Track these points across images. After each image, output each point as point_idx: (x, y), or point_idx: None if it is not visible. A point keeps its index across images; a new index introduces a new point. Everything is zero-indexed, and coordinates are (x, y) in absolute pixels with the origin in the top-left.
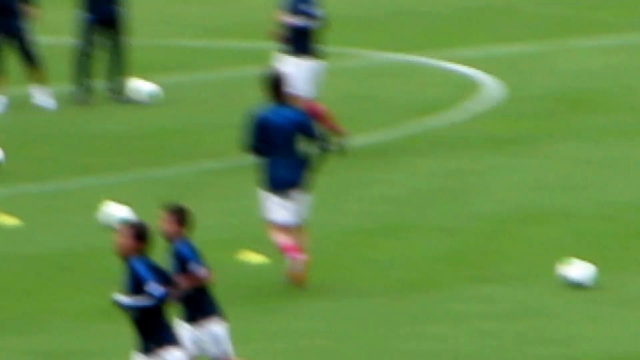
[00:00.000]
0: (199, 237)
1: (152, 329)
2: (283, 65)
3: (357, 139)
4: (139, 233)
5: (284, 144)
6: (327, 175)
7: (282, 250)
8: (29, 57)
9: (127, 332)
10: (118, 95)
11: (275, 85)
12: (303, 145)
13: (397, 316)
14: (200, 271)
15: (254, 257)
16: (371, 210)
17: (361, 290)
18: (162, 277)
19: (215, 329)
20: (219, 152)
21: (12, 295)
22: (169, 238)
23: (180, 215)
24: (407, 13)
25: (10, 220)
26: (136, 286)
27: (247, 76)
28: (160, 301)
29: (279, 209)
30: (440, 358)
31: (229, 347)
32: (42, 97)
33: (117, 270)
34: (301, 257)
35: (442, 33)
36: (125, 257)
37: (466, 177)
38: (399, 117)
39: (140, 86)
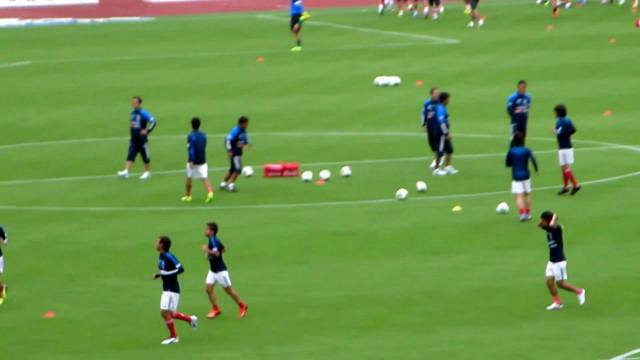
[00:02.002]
0: None
1: (171, 283)
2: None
3: None
4: (166, 241)
5: (521, 162)
6: None
7: (520, 211)
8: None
9: None
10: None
11: (520, 139)
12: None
13: None
14: (214, 250)
15: None
16: None
17: None
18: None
19: (225, 276)
20: None
21: None
22: (208, 236)
23: (213, 226)
24: None
25: (456, 208)
26: (168, 265)
27: None
28: (180, 271)
29: (517, 188)
30: None
31: (229, 281)
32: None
33: None
34: (525, 214)
35: None
36: (161, 252)
37: None
38: None
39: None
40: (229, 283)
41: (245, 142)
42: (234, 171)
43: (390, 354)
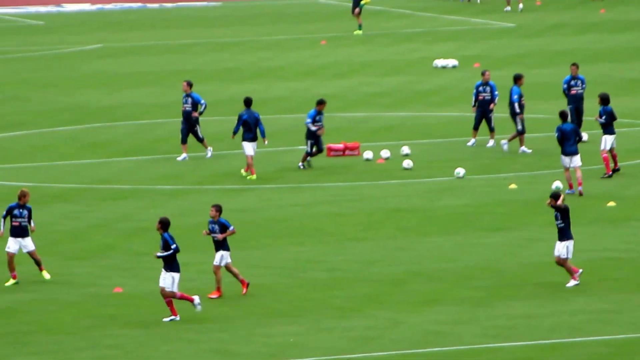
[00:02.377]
0: None
1: (170, 263)
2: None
3: None
4: (165, 222)
5: (571, 137)
6: None
7: (567, 179)
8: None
9: None
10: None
11: (565, 116)
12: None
13: None
14: (232, 229)
15: None
16: None
17: None
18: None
19: (224, 254)
20: None
21: None
22: (213, 218)
23: (219, 208)
24: None
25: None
26: (165, 245)
27: None
28: (175, 252)
29: (566, 161)
30: None
31: (223, 263)
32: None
33: None
34: (570, 189)
35: None
36: (160, 233)
37: None
38: None
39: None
40: (222, 264)
41: (322, 126)
42: (320, 151)
43: (449, 328)
